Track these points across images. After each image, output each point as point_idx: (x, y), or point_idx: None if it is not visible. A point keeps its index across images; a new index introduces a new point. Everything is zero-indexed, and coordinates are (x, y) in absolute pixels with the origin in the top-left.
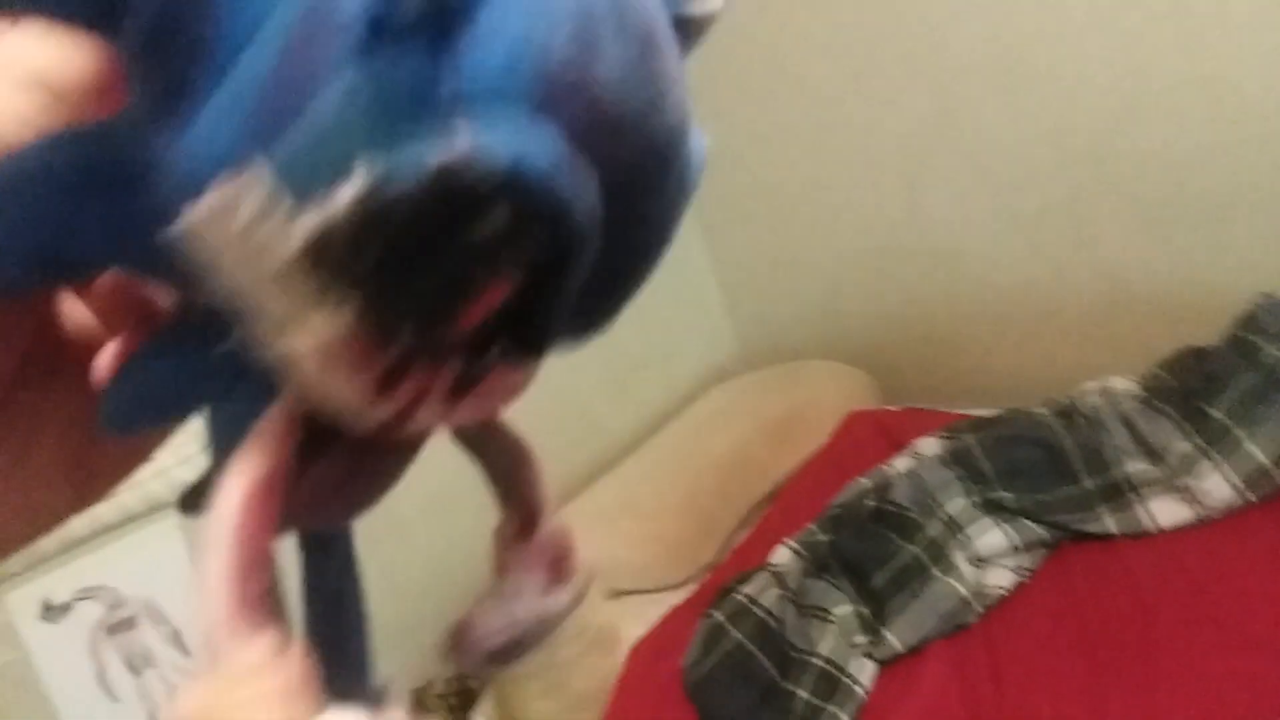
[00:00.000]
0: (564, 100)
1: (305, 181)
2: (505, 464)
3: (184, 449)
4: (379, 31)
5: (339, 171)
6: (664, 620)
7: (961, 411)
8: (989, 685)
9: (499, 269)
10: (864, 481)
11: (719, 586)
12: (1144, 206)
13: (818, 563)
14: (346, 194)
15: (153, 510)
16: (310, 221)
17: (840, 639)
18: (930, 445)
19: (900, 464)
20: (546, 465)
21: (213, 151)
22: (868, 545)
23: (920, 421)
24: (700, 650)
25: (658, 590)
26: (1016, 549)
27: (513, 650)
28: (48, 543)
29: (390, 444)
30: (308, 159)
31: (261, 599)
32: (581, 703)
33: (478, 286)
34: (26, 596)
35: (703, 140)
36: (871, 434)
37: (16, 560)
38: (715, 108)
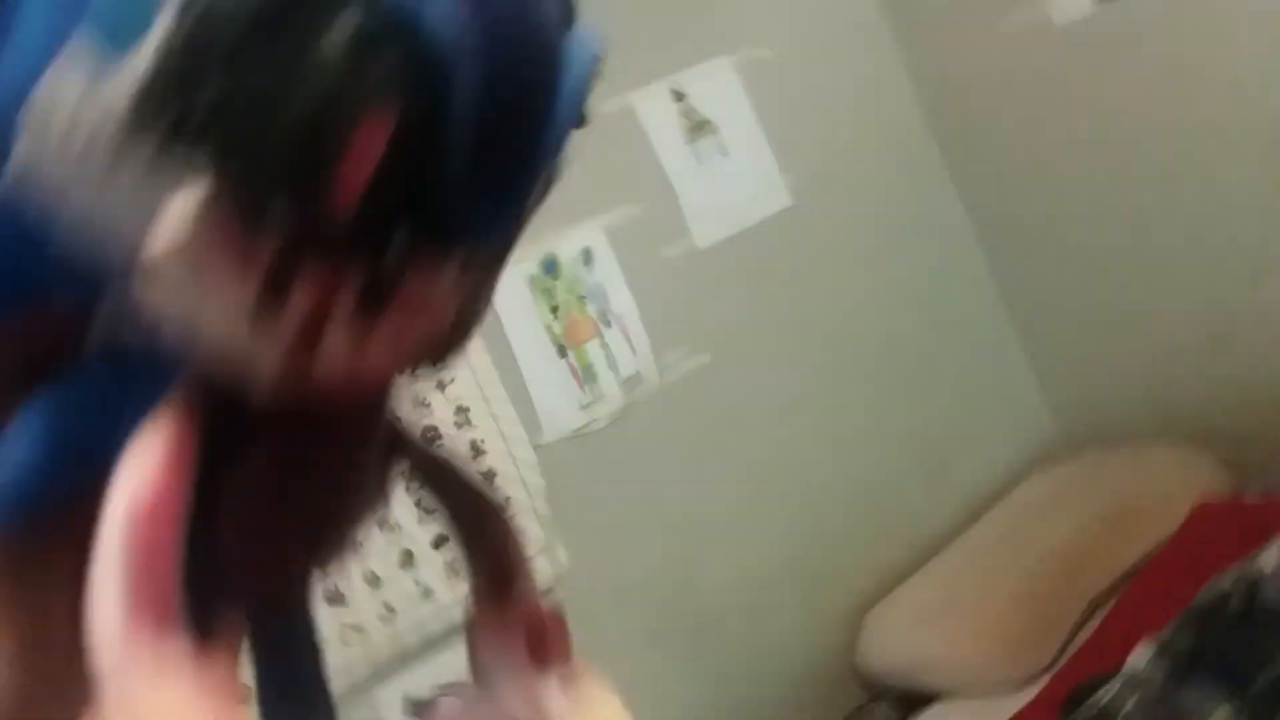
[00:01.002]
0: None
1: (125, 27)
2: (469, 516)
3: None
4: None
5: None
6: None
7: None
8: None
9: (363, 102)
10: (1226, 579)
11: (1068, 692)
12: None
13: (1183, 666)
14: (166, 18)
15: None
16: (138, 64)
17: None
18: None
19: (1267, 560)
20: (862, 562)
21: (34, 43)
22: (1242, 648)
23: None
24: None
25: (988, 696)
26: None
27: None
28: (410, 640)
29: (319, 429)
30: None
31: (169, 602)
32: None
33: (343, 129)
34: (393, 693)
35: (597, 38)
36: (1226, 524)
37: (383, 659)
38: (1010, 179)
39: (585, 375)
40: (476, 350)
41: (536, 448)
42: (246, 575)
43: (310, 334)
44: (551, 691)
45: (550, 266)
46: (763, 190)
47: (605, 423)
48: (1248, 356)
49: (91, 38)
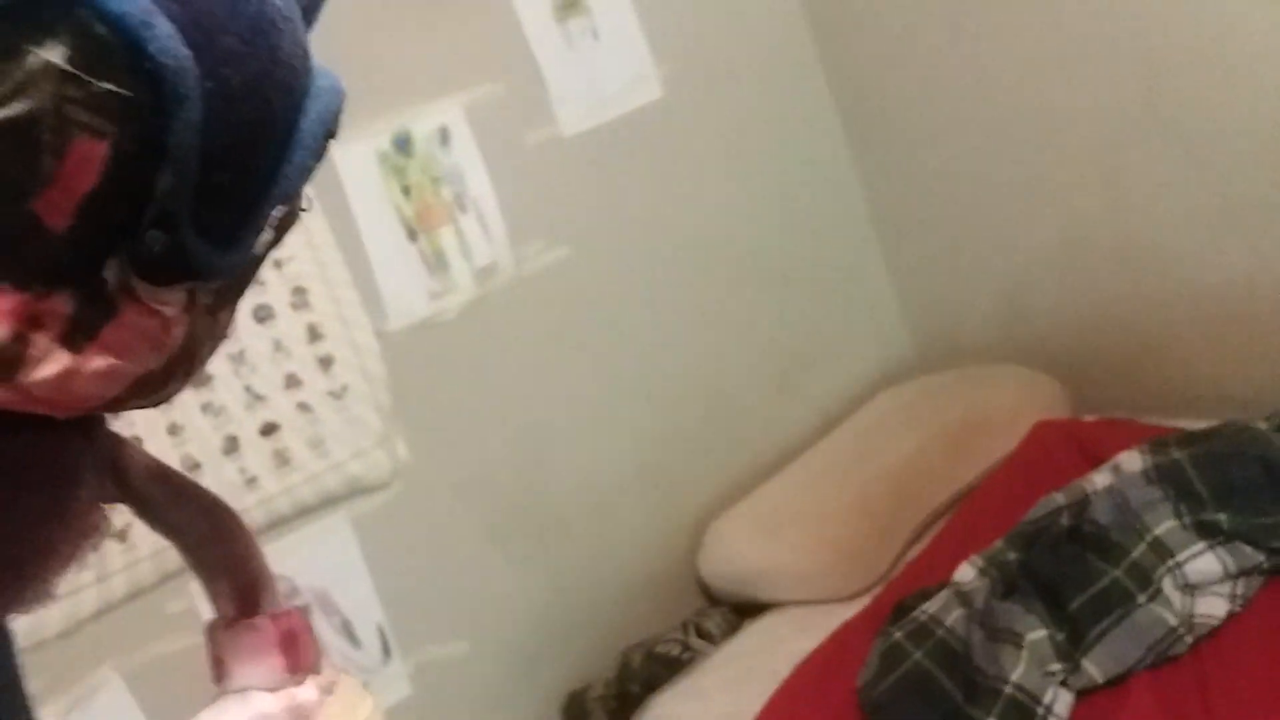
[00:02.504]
0: None
1: None
2: (203, 529)
3: (358, 443)
4: None
5: None
6: (835, 635)
7: (1166, 424)
8: None
9: (70, 128)
10: (1058, 497)
11: (896, 603)
12: None
13: (1007, 583)
14: None
15: (325, 504)
16: None
17: (1033, 666)
18: (1133, 460)
19: (1099, 479)
20: (710, 470)
21: None
22: (1064, 567)
23: (1118, 433)
24: (877, 669)
25: (825, 601)
26: (1231, 576)
27: None
28: None
29: (26, 444)
30: None
31: None
32: None
33: (49, 153)
34: None
35: (334, 80)
36: (1063, 445)
37: None
38: (885, 92)
39: (436, 262)
40: (318, 228)
41: (380, 335)
42: None
43: (9, 356)
44: (307, 694)
45: (403, 143)
46: (634, 80)
47: (456, 313)
48: (1096, 285)
49: None
